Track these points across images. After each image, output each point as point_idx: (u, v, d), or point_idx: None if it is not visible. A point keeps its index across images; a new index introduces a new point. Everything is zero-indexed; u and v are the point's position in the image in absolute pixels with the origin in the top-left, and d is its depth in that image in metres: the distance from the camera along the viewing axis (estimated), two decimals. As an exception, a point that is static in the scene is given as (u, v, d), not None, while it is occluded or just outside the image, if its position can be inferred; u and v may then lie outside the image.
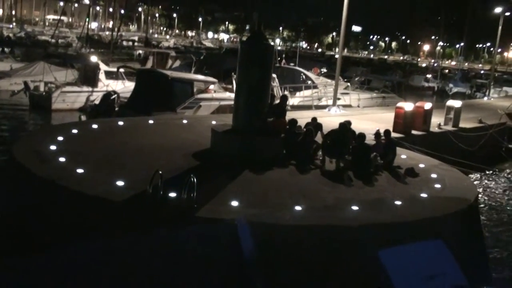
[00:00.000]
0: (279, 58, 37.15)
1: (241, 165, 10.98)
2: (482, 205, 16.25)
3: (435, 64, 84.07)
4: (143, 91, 21.18)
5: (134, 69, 28.80)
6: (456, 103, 22.26)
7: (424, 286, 4.24)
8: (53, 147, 10.95)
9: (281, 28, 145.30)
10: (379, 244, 7.88)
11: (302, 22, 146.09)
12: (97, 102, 23.51)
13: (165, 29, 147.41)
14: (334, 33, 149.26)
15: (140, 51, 48.96)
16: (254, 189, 9.82)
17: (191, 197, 8.18)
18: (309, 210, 8.86)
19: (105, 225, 7.97)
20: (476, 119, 23.92)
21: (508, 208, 17.13)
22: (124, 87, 26.60)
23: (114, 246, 6.11)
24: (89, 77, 27.74)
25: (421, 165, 13.09)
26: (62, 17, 74.36)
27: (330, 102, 24.40)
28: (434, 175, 12.27)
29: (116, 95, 22.03)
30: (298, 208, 8.83)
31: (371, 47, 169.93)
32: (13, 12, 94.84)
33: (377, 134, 13.22)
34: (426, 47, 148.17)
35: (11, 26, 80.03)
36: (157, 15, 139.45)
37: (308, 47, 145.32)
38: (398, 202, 9.77)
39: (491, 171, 20.84)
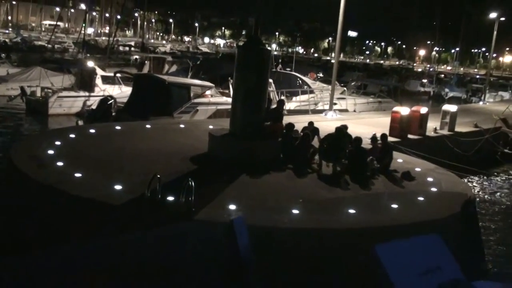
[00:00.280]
0: (275, 63, 37.29)
1: (238, 169, 11.03)
2: (478, 209, 16.29)
3: (431, 69, 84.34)
4: (140, 96, 21.22)
5: (131, 74, 28.82)
6: (452, 108, 22.37)
7: (420, 281, 4.29)
8: (50, 152, 10.97)
9: (277, 33, 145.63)
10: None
11: (298, 27, 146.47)
12: (94, 107, 23.55)
13: (161, 34, 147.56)
14: (330, 38, 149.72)
15: (137, 56, 48.98)
16: (252, 192, 9.86)
17: (189, 200, 8.22)
18: (306, 213, 8.92)
19: (104, 228, 8.00)
20: (472, 124, 24.05)
21: (504, 211, 17.19)
22: (121, 92, 26.57)
23: (114, 246, 6.14)
24: (85, 82, 27.68)
25: (417, 169, 13.17)
26: (59, 23, 74.21)
27: (327, 106, 24.52)
28: (430, 179, 12.35)
29: (113, 100, 22.02)
30: (295, 211, 8.89)
31: (367, 52, 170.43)
32: (10, 18, 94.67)
33: (374, 138, 13.28)
34: (422, 52, 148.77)
35: (7, 31, 79.88)
36: (153, 20, 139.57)
37: (305, 52, 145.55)
38: (394, 205, 9.84)
39: (486, 175, 20.92)
